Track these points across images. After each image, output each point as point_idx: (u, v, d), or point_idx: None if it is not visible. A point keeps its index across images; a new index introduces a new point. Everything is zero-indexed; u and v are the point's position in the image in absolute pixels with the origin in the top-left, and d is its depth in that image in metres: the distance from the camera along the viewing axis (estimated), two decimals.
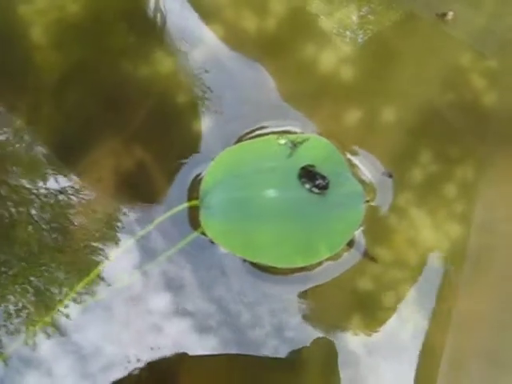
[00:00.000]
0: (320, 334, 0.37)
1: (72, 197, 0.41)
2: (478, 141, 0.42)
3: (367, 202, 0.34)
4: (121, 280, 0.37)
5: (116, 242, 0.38)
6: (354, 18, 0.44)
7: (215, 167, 0.32)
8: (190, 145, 0.39)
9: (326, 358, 0.37)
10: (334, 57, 0.42)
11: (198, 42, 0.43)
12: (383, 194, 0.39)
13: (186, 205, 0.34)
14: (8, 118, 0.42)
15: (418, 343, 0.38)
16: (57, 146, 0.41)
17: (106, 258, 0.39)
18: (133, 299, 0.38)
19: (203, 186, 0.32)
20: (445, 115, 0.42)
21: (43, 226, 0.40)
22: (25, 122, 0.42)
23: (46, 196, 0.41)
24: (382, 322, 0.38)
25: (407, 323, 0.38)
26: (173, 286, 0.38)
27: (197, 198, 0.33)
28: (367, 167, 0.39)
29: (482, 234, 0.39)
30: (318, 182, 0.31)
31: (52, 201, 0.41)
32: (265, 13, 0.43)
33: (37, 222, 0.40)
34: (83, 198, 0.40)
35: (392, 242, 0.39)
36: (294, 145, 0.32)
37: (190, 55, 0.43)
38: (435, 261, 0.39)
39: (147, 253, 0.37)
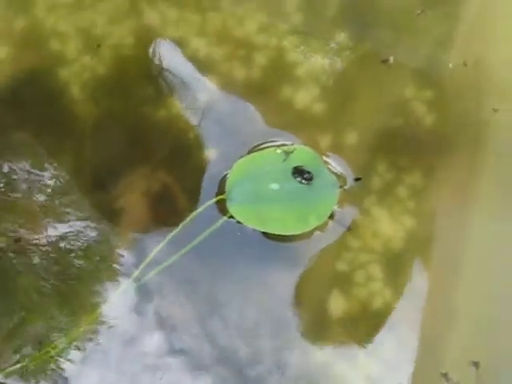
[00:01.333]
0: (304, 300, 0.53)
1: (73, 242, 0.55)
2: (421, 153, 0.59)
3: (341, 187, 0.53)
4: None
5: (115, 282, 0.54)
6: (322, 64, 0.62)
7: (234, 171, 0.50)
8: (203, 166, 0.56)
9: (306, 322, 0.53)
10: (308, 95, 0.59)
11: (201, 89, 0.60)
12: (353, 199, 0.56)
13: (216, 199, 0.53)
14: (51, 159, 0.58)
15: (386, 312, 0.54)
16: (95, 177, 0.57)
17: (105, 301, 0.52)
18: (128, 341, 0.51)
19: (227, 185, 0.51)
20: (395, 135, 0.59)
21: (43, 276, 0.52)
22: (69, 160, 0.58)
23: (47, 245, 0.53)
24: (355, 295, 0.54)
25: (376, 296, 0.54)
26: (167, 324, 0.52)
27: (222, 194, 0.50)
28: (338, 166, 0.56)
29: (427, 225, 0.56)
30: (305, 176, 0.51)
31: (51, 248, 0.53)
32: (251, 64, 0.61)
33: (37, 273, 0.52)
34: (84, 242, 0.54)
35: (360, 233, 0.56)
36: (287, 153, 0.51)
37: (195, 99, 0.60)
38: (394, 246, 0.55)
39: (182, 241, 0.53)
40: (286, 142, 0.55)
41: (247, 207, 0.51)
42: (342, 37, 0.62)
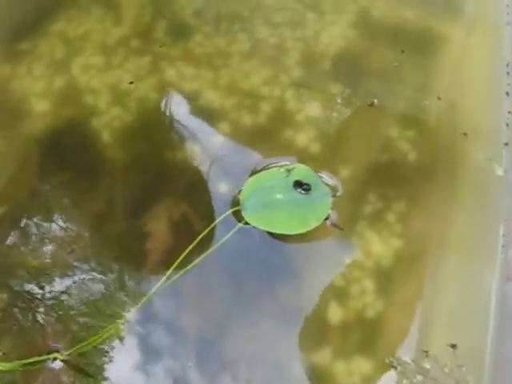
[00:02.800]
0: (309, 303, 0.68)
1: (76, 296, 0.64)
2: (406, 184, 0.74)
3: (333, 196, 0.70)
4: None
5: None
6: (319, 111, 0.79)
7: (247, 187, 0.68)
8: (215, 196, 0.72)
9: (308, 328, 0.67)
10: (306, 137, 0.76)
11: (214, 134, 0.76)
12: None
13: (233, 209, 0.69)
14: (87, 198, 0.74)
15: (379, 322, 0.69)
16: (125, 209, 0.73)
17: (112, 362, 0.63)
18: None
19: (242, 198, 0.69)
20: (383, 170, 0.75)
21: (47, 330, 0.61)
22: (102, 196, 0.74)
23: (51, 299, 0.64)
24: (351, 306, 0.69)
25: (369, 306, 0.69)
26: None
27: (238, 205, 0.69)
28: (330, 179, 0.72)
29: (412, 246, 0.71)
30: (304, 187, 0.68)
31: (55, 303, 0.63)
32: (257, 112, 0.78)
33: (42, 326, 0.61)
34: (88, 295, 0.64)
35: (354, 253, 0.71)
36: (288, 170, 0.69)
37: (209, 142, 0.76)
38: (384, 264, 0.70)
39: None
40: (287, 163, 0.72)
41: (259, 214, 0.68)
42: (335, 87, 0.79)
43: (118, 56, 0.82)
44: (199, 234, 0.68)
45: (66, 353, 0.62)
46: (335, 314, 0.66)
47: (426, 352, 0.64)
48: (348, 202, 0.72)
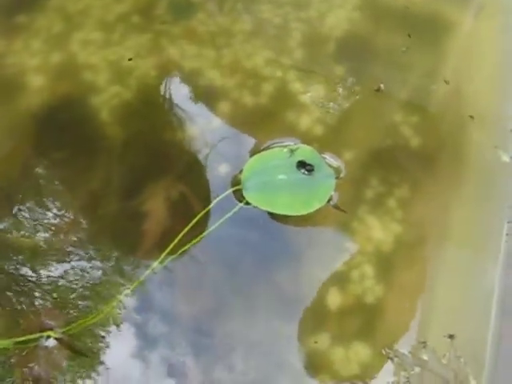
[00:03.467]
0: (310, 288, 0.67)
1: (72, 277, 0.64)
2: (409, 170, 0.73)
3: (337, 177, 0.69)
4: None
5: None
6: (322, 93, 0.78)
7: (248, 166, 0.67)
8: (215, 177, 0.71)
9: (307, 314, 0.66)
10: (308, 119, 0.75)
11: (215, 114, 0.75)
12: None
13: (234, 188, 0.68)
14: (84, 176, 0.73)
15: (378, 308, 0.68)
16: (123, 187, 0.72)
17: (107, 346, 0.63)
18: None
19: (243, 177, 0.68)
20: (386, 154, 0.74)
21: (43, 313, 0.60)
22: (100, 174, 0.73)
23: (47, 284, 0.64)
24: (351, 292, 0.68)
25: (369, 292, 0.68)
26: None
27: (238, 184, 0.68)
28: (334, 161, 0.71)
29: (413, 232, 0.70)
30: (307, 168, 0.68)
31: (50, 284, 0.64)
32: (259, 92, 0.77)
33: (38, 310, 0.61)
34: (83, 276, 0.64)
35: (355, 238, 0.70)
36: (292, 151, 0.68)
37: (210, 122, 0.75)
38: (385, 249, 0.70)
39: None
40: (290, 143, 0.71)
41: (261, 194, 0.68)
42: (338, 70, 0.78)
43: (117, 32, 0.81)
44: (197, 215, 0.66)
45: (60, 331, 0.61)
46: (334, 299, 0.65)
47: (423, 343, 0.64)
48: (350, 186, 0.71)
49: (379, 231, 0.69)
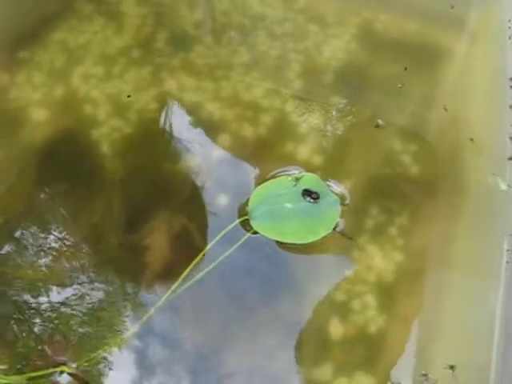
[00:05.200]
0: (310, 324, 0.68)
1: (75, 307, 0.64)
2: (408, 198, 0.74)
3: (342, 204, 0.70)
4: None
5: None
6: (320, 123, 0.79)
7: (255, 196, 0.69)
8: (215, 209, 0.72)
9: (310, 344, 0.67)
10: (307, 150, 0.76)
11: (215, 145, 0.77)
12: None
13: (241, 219, 0.69)
14: (85, 208, 0.74)
15: (381, 338, 0.68)
16: (123, 221, 0.73)
17: (110, 368, 0.62)
18: None
19: (250, 207, 0.69)
20: (386, 183, 0.75)
21: (45, 341, 0.60)
22: (100, 207, 0.74)
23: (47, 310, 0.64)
24: (353, 322, 0.69)
25: (371, 322, 0.69)
26: None
27: (245, 214, 0.69)
28: (338, 188, 0.72)
29: (415, 260, 0.71)
30: (313, 196, 0.69)
31: (55, 314, 0.63)
32: (258, 124, 0.78)
33: (39, 336, 0.61)
34: (87, 306, 0.64)
35: (356, 268, 0.71)
36: (297, 179, 0.70)
37: (210, 155, 0.76)
38: (386, 278, 0.70)
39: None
40: (295, 171, 0.73)
41: (268, 223, 0.69)
42: (336, 100, 0.80)
43: (118, 66, 0.83)
44: (199, 247, 0.68)
45: (74, 365, 0.61)
46: (336, 329, 0.66)
47: (425, 376, 0.64)
48: (350, 215, 0.72)
49: (380, 260, 0.69)
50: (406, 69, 0.82)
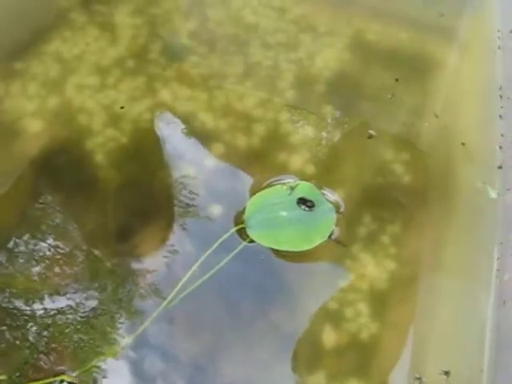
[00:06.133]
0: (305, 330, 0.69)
1: (69, 315, 0.64)
2: (401, 207, 0.76)
3: (337, 212, 0.72)
4: None
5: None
6: (312, 133, 0.80)
7: (251, 204, 0.71)
8: (210, 219, 0.74)
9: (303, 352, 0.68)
10: (300, 160, 0.78)
11: (208, 155, 0.78)
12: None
13: (237, 227, 0.71)
14: (80, 218, 0.76)
15: (373, 345, 0.70)
16: (118, 230, 0.74)
17: (105, 377, 0.62)
18: None
19: (246, 215, 0.71)
20: (378, 192, 0.77)
21: (40, 349, 0.61)
22: (95, 216, 0.75)
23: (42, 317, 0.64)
24: (346, 330, 0.70)
25: (364, 329, 0.70)
26: None
27: (241, 223, 0.71)
28: (333, 196, 0.74)
29: (407, 268, 0.72)
30: (308, 204, 0.71)
31: (49, 321, 0.64)
32: (251, 134, 0.79)
33: (33, 344, 0.61)
34: (82, 314, 0.64)
35: (349, 276, 0.72)
36: (292, 188, 0.72)
37: (203, 164, 0.77)
38: (379, 286, 0.72)
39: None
40: (290, 180, 0.74)
41: (264, 232, 0.71)
42: (329, 109, 0.82)
43: (112, 76, 0.84)
44: (195, 257, 0.69)
45: (74, 374, 0.62)
46: (329, 337, 0.67)
47: (419, 379, 0.65)
48: (343, 224, 0.73)
49: (373, 268, 0.71)
50: (397, 80, 0.84)
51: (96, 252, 0.71)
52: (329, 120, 0.81)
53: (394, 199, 0.76)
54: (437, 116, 0.82)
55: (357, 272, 0.71)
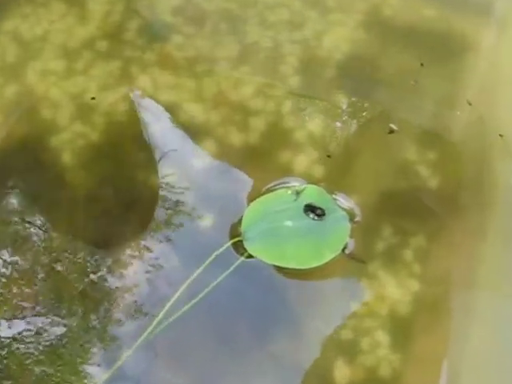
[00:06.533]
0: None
1: (30, 344, 0.64)
2: (427, 216, 0.74)
3: (352, 221, 0.69)
4: None
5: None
6: (322, 127, 0.78)
7: (249, 213, 0.68)
8: (198, 232, 0.72)
9: None
10: (306, 160, 0.76)
11: (196, 155, 0.75)
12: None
13: (233, 240, 0.69)
14: (45, 229, 0.74)
15: (395, 381, 0.68)
16: (89, 248, 0.71)
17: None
18: None
19: (243, 226, 0.68)
20: (400, 198, 0.75)
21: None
22: (60, 230, 0.73)
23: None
24: (362, 364, 0.68)
25: (383, 363, 0.69)
26: None
27: (238, 235, 0.68)
28: (347, 202, 0.72)
29: (434, 289, 0.70)
30: (317, 212, 0.68)
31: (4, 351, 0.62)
32: (248, 129, 0.76)
33: None
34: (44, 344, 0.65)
35: (366, 298, 0.70)
36: (298, 193, 0.69)
37: (191, 166, 0.75)
38: (401, 310, 0.70)
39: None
40: (295, 184, 0.72)
41: (265, 245, 0.68)
42: (340, 99, 0.79)
43: (81, 61, 0.82)
44: (183, 275, 0.67)
45: None
46: (342, 372, 0.65)
47: None
48: (359, 235, 0.71)
49: (394, 289, 0.69)
50: (422, 64, 0.82)
51: (62, 269, 0.69)
52: (340, 112, 0.79)
53: (419, 206, 0.75)
54: (470, 104, 0.79)
55: (375, 293, 0.69)
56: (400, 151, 0.77)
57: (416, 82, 0.81)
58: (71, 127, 0.77)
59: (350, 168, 0.75)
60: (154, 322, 0.65)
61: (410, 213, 0.74)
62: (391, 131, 0.77)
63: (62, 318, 0.67)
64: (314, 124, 0.78)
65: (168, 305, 0.66)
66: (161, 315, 0.65)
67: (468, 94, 0.80)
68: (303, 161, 0.76)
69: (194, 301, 0.66)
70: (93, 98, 0.78)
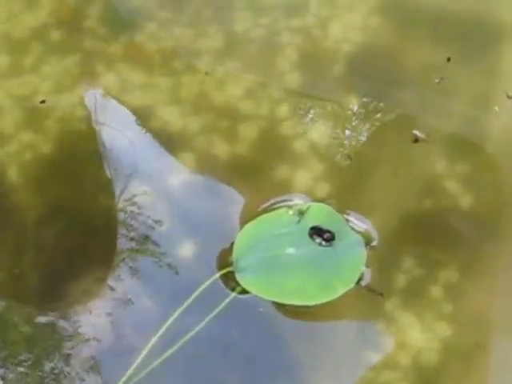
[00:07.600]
0: None
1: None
2: (458, 243, 0.76)
3: (367, 245, 0.72)
4: None
5: None
6: (328, 134, 0.80)
7: (241, 237, 0.71)
8: (176, 263, 0.75)
9: None
10: (308, 175, 0.78)
11: (173, 170, 0.79)
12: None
13: (223, 271, 0.71)
14: None
15: None
16: (39, 288, 0.73)
17: None
18: None
19: (234, 255, 0.70)
20: (424, 221, 0.77)
21: None
22: (4, 264, 0.74)
23: None
24: None
25: None
26: None
27: (228, 266, 0.70)
28: (361, 223, 0.74)
29: (469, 333, 0.72)
30: (325, 236, 0.70)
31: None
32: (235, 138, 0.79)
33: None
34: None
35: (384, 345, 0.71)
36: (301, 213, 0.71)
37: (165, 183, 0.78)
38: (426, 360, 0.71)
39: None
40: (299, 202, 0.75)
41: (262, 277, 0.71)
42: (351, 100, 0.83)
43: (31, 55, 0.85)
44: (159, 318, 0.70)
45: None
46: None
47: None
48: (376, 264, 0.74)
49: (419, 334, 0.72)
50: (448, 59, 0.85)
51: (12, 314, 0.72)
52: (349, 115, 0.81)
53: (448, 231, 0.77)
54: (510, 97, 0.82)
55: (395, 339, 0.72)
56: (425, 162, 0.79)
57: (441, 79, 0.84)
58: (17, 137, 0.80)
59: (365, 183, 0.78)
60: (123, 378, 0.67)
61: (438, 239, 0.76)
62: (415, 140, 0.80)
63: (3, 370, 0.69)
64: (318, 131, 0.81)
65: (137, 360, 0.67)
66: (129, 372, 0.67)
67: (507, 86, 0.83)
68: (304, 176, 0.78)
69: (168, 352, 0.68)
70: (43, 102, 0.81)
